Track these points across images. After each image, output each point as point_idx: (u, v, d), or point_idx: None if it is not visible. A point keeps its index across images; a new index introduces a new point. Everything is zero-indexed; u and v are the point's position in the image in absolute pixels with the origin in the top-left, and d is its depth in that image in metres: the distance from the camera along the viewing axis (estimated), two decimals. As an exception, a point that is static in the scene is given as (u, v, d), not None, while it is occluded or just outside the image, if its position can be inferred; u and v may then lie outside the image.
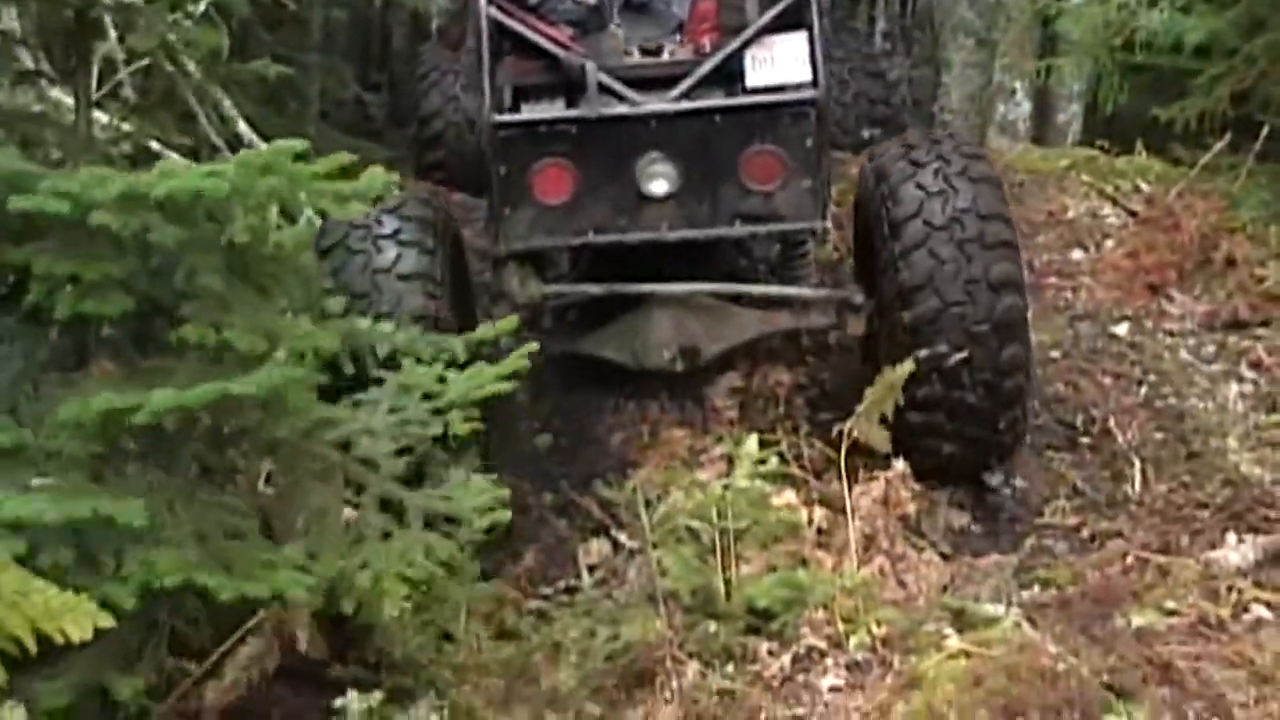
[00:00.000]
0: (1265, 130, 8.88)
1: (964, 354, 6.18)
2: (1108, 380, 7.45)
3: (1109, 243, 8.73)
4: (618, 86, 6.48)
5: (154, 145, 6.83)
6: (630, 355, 6.79)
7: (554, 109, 6.61)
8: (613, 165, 6.49)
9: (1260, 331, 7.70)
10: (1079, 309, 8.10)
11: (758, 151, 6.47)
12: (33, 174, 4.20)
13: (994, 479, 6.64)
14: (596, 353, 6.92)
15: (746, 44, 6.55)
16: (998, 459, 6.60)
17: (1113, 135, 10.30)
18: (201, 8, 6.79)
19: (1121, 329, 7.88)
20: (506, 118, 6.52)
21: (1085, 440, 7.03)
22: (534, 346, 5.15)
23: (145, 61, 7.15)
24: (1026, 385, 6.40)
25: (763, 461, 5.88)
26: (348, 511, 4.77)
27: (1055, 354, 7.65)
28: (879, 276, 6.53)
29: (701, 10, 7.03)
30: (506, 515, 4.88)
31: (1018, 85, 12.34)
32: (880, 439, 5.61)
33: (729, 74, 6.60)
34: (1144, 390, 7.36)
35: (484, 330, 5.32)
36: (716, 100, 6.54)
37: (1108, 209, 9.09)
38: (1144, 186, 9.26)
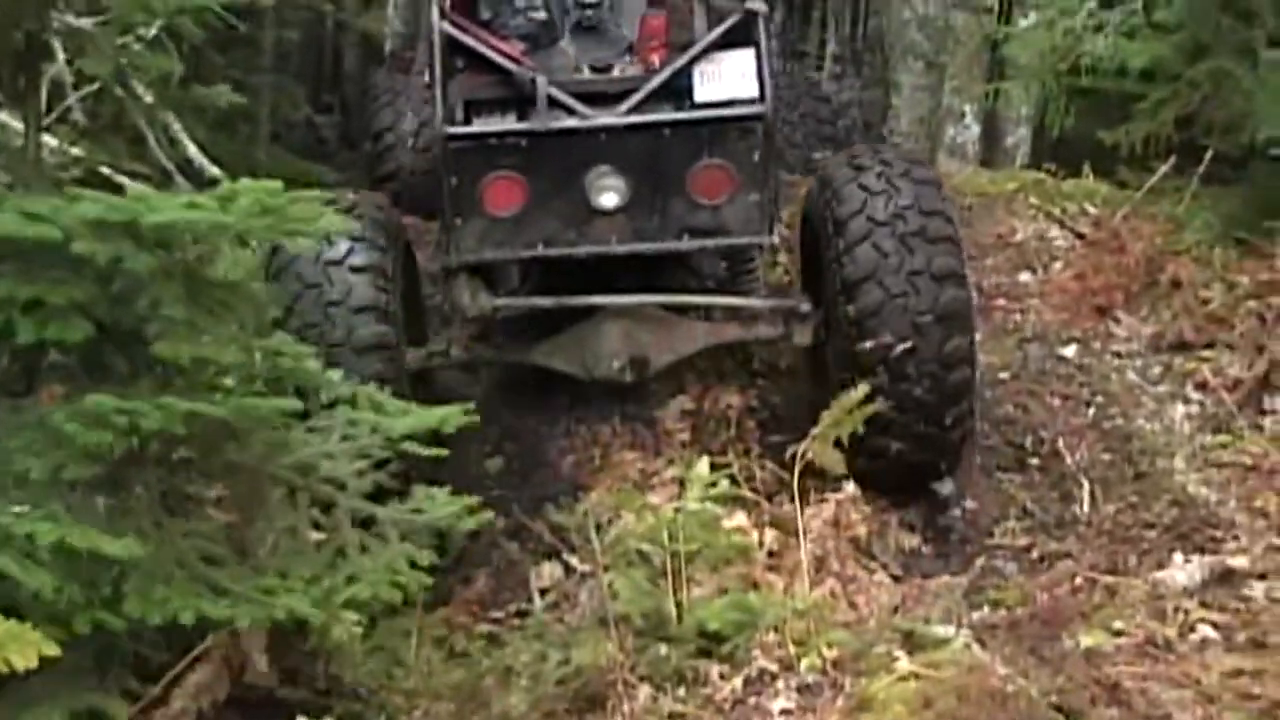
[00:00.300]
0: (1209, 154, 8.98)
1: (908, 344, 6.23)
2: (1056, 401, 7.51)
3: (1057, 265, 8.81)
4: (568, 100, 6.51)
5: (105, 170, 6.79)
6: (580, 366, 6.82)
7: (505, 123, 6.64)
8: (563, 178, 6.52)
9: (1205, 353, 7.76)
10: (1028, 331, 8.16)
11: (706, 166, 6.52)
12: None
13: (944, 489, 6.67)
14: (546, 363, 6.94)
15: (695, 60, 6.61)
16: (946, 461, 6.63)
17: (1060, 158, 10.42)
18: (153, 32, 6.75)
19: (1069, 350, 7.94)
20: (458, 130, 6.54)
21: (1034, 461, 7.08)
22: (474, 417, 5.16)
23: (95, 86, 7.11)
24: (971, 379, 6.45)
25: (714, 484, 5.86)
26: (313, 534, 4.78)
27: (1004, 375, 7.70)
28: (824, 274, 6.58)
29: (651, 27, 7.09)
30: (489, 516, 5.05)
31: (967, 108, 12.48)
32: (834, 461, 5.60)
33: (678, 90, 6.65)
34: (1092, 411, 7.41)
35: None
36: (665, 114, 6.59)
37: (1055, 231, 9.17)
38: (1091, 209, 9.35)
